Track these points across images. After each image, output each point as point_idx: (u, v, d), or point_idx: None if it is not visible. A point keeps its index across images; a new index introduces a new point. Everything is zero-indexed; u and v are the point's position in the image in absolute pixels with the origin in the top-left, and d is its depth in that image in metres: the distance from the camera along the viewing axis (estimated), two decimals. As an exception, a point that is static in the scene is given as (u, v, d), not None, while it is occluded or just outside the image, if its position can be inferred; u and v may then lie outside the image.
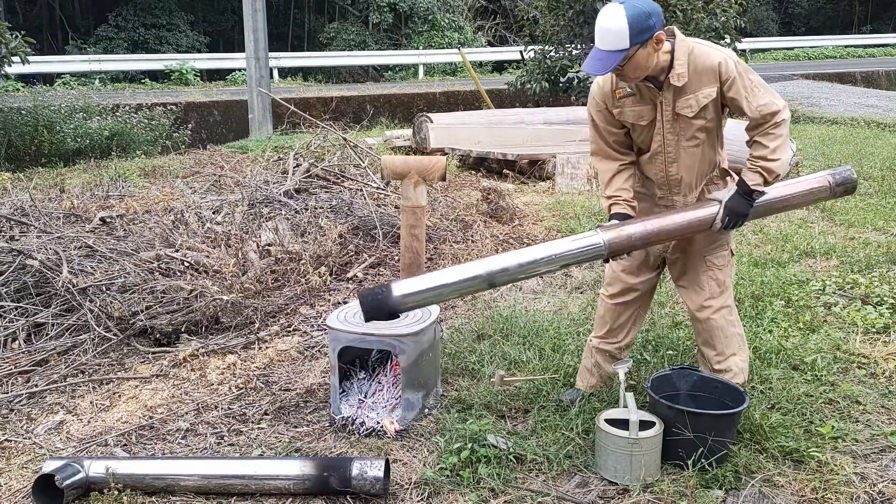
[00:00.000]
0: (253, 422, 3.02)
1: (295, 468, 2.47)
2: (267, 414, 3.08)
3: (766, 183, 2.57)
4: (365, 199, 5.75)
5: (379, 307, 2.49)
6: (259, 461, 2.57)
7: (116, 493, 2.45)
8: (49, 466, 2.48)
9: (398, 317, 2.58)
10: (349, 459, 2.47)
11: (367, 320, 2.53)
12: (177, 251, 4.44)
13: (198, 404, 3.18)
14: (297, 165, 6.40)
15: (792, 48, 24.95)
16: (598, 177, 2.84)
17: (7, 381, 3.39)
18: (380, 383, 3.07)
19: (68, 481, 2.41)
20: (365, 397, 3.01)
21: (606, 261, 2.67)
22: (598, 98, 2.72)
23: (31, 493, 2.46)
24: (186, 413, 3.10)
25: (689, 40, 2.57)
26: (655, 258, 2.89)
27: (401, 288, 2.50)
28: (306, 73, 19.93)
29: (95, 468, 2.49)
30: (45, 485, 2.42)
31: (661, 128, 2.65)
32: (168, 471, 2.51)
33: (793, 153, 7.41)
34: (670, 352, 3.40)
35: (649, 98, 2.62)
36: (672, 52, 2.54)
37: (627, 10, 2.40)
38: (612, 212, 2.73)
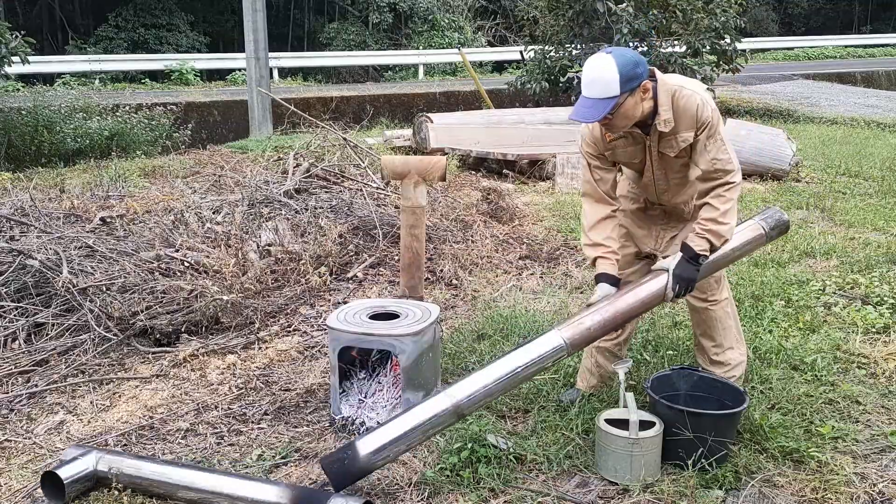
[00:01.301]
0: (253, 422, 3.02)
1: (272, 495, 2.35)
2: (267, 414, 3.08)
3: (713, 248, 2.61)
4: (365, 199, 5.75)
5: (345, 472, 2.34)
6: (241, 481, 2.44)
7: (116, 493, 2.46)
8: (70, 454, 2.53)
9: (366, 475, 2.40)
10: (327, 496, 2.32)
11: (336, 489, 2.34)
12: (177, 251, 4.44)
13: (198, 404, 3.18)
14: (297, 165, 6.40)
15: (792, 48, 24.95)
16: (585, 219, 2.80)
17: (7, 381, 3.39)
18: (380, 383, 3.07)
19: (74, 476, 2.44)
20: (365, 397, 3.01)
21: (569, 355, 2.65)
22: (590, 141, 2.73)
23: (40, 484, 2.49)
24: (186, 413, 3.10)
25: (670, 82, 2.57)
26: (645, 254, 2.93)
27: (366, 445, 2.35)
28: (306, 73, 19.92)
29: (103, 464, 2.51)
30: (54, 477, 2.44)
31: (650, 165, 2.71)
32: (155, 476, 2.48)
33: (792, 153, 7.41)
34: (670, 352, 3.40)
35: (639, 139, 2.66)
36: (655, 96, 2.54)
37: (616, 58, 2.42)
38: (598, 268, 2.72)
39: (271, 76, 15.52)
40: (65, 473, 2.44)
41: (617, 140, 2.67)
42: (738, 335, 2.98)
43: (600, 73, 2.42)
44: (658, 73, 2.58)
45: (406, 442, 2.41)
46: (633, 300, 2.64)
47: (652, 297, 2.66)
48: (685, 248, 2.62)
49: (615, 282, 2.70)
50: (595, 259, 2.74)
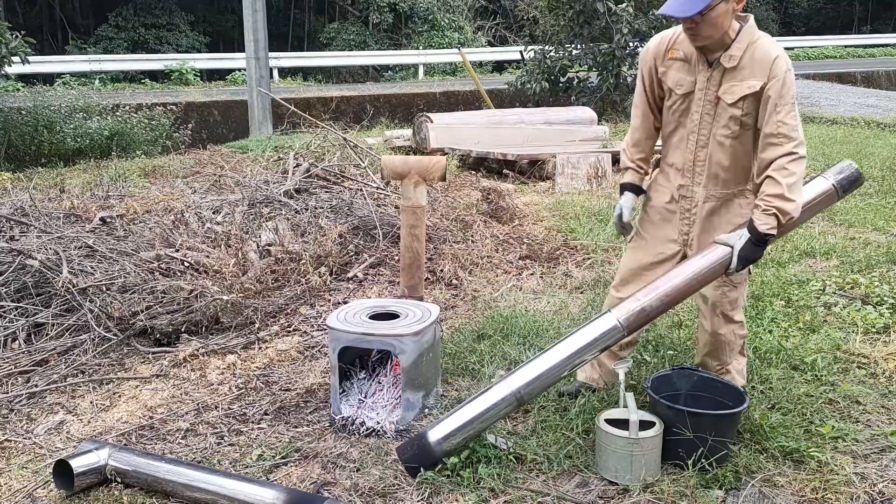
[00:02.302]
0: (253, 422, 3.02)
1: (269, 497, 2.37)
2: (267, 414, 3.08)
3: (780, 226, 2.47)
4: (365, 199, 5.75)
5: (417, 459, 2.53)
6: (240, 483, 2.46)
7: (116, 493, 2.46)
8: (85, 446, 2.59)
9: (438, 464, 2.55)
10: (322, 500, 2.37)
11: (411, 476, 2.53)
12: (177, 251, 4.44)
13: (198, 404, 3.18)
14: (297, 165, 6.40)
15: (792, 48, 24.91)
16: (630, 130, 2.85)
17: (7, 381, 3.39)
18: (380, 383, 3.07)
19: (84, 467, 2.49)
20: (365, 397, 3.00)
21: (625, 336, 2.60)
22: (652, 53, 2.72)
23: (51, 474, 2.54)
24: (186, 413, 3.10)
25: (757, 31, 2.53)
26: (674, 253, 2.80)
27: (435, 433, 2.53)
28: (306, 73, 19.92)
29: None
30: (65, 468, 2.49)
31: (699, 107, 2.61)
32: (158, 474, 2.51)
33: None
34: (670, 352, 3.40)
35: (697, 70, 2.59)
36: (738, 33, 2.50)
37: None
38: (625, 178, 2.84)
39: (271, 76, 15.53)
40: (76, 464, 2.48)
41: (677, 61, 2.63)
42: (744, 347, 2.95)
43: None
44: (752, 19, 2.55)
45: (471, 429, 2.54)
46: (692, 277, 2.54)
47: (712, 274, 2.55)
48: (751, 228, 2.47)
49: (639, 191, 2.83)
50: (626, 169, 2.85)
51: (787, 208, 2.44)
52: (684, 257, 2.77)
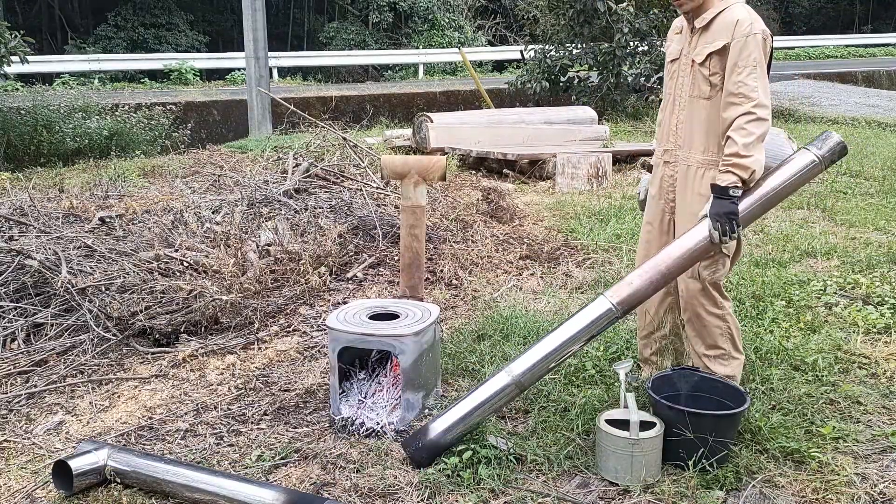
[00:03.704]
0: (252, 422, 3.02)
1: (269, 497, 2.38)
2: (266, 414, 3.08)
3: (743, 182, 2.54)
4: (365, 199, 5.74)
5: (422, 450, 2.59)
6: (240, 483, 2.46)
7: (115, 494, 2.45)
8: (84, 447, 2.59)
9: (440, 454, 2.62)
10: (322, 500, 2.38)
11: (416, 467, 2.60)
12: (176, 251, 4.43)
13: (197, 405, 3.17)
14: (297, 165, 6.39)
15: (793, 48, 24.93)
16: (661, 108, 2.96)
17: (6, 382, 3.38)
18: (380, 384, 3.06)
19: (84, 468, 2.49)
20: (365, 398, 3.00)
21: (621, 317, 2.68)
22: (671, 31, 2.93)
23: (51, 474, 2.54)
24: (186, 413, 3.10)
25: (737, 1, 2.66)
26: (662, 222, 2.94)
27: (438, 427, 2.60)
28: (306, 73, 19.91)
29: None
30: (64, 469, 2.49)
31: (681, 70, 2.77)
32: (157, 474, 2.51)
33: (793, 153, 7.40)
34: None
35: (685, 39, 2.76)
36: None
37: None
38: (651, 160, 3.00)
39: (271, 76, 15.51)
40: (75, 465, 2.48)
41: (676, 34, 2.84)
42: (735, 343, 2.90)
43: None
44: None
45: (477, 417, 2.62)
46: (677, 252, 2.61)
47: (696, 244, 2.61)
48: (712, 185, 2.59)
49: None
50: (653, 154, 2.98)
51: (743, 163, 2.52)
52: (672, 225, 2.88)
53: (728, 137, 2.56)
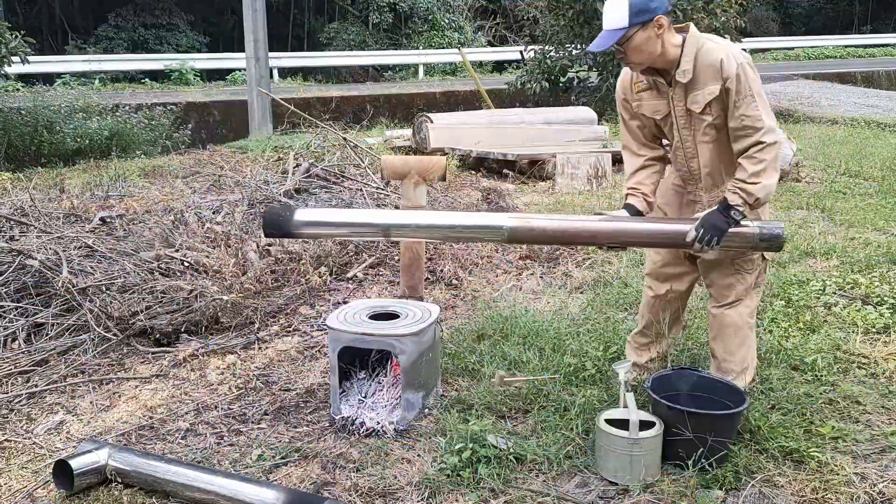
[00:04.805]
0: (253, 422, 3.02)
1: (269, 497, 2.37)
2: (267, 414, 3.08)
3: (748, 205, 2.58)
4: (365, 199, 5.75)
5: (277, 225, 2.75)
6: (240, 483, 2.46)
7: (116, 493, 2.46)
8: (85, 446, 2.60)
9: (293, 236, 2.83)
10: (322, 500, 2.39)
11: (266, 235, 2.84)
12: (177, 251, 4.44)
13: (197, 404, 3.18)
14: (297, 165, 6.41)
15: (792, 48, 24.93)
16: (625, 169, 2.92)
17: (7, 381, 3.39)
18: (380, 383, 3.07)
19: (84, 467, 2.50)
20: (365, 397, 3.00)
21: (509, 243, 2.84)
22: (620, 90, 2.82)
23: (52, 474, 2.54)
24: (186, 413, 3.10)
25: (701, 37, 2.61)
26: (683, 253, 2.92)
27: (302, 215, 2.75)
28: (306, 73, 19.92)
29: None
30: (64, 469, 2.49)
31: (675, 123, 2.72)
32: (158, 474, 2.51)
33: (792, 153, 7.40)
34: (671, 351, 3.40)
35: (663, 93, 2.69)
36: (682, 47, 2.58)
37: None
38: (625, 202, 2.84)
39: (271, 76, 15.52)
40: (76, 464, 2.49)
41: (644, 91, 2.73)
42: (753, 343, 2.94)
43: (613, 3, 2.52)
44: (692, 27, 2.62)
45: (334, 230, 2.88)
46: (635, 227, 2.68)
47: (661, 232, 2.66)
48: (722, 200, 2.61)
49: (636, 212, 2.82)
50: (626, 195, 2.87)
51: (749, 189, 2.55)
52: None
53: (739, 164, 2.60)
